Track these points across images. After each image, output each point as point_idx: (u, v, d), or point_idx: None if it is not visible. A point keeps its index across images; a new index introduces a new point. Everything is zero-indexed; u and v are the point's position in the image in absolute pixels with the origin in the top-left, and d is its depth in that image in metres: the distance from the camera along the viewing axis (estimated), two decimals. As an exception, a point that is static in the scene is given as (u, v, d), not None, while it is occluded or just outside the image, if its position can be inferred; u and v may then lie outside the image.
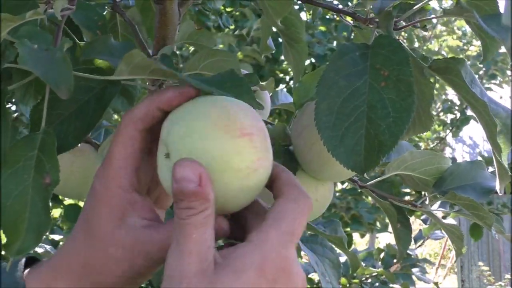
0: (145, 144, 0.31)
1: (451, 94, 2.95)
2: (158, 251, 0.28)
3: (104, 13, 0.58)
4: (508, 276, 3.99)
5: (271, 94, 0.69)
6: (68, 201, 1.51)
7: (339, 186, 1.92)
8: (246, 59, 1.53)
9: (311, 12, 0.61)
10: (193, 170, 0.25)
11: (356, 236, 2.45)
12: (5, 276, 0.31)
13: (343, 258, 1.06)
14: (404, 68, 0.34)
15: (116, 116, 1.08)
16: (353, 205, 1.88)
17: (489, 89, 2.73)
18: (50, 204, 0.31)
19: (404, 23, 0.40)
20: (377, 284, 1.31)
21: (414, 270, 1.32)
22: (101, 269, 0.30)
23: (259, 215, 0.28)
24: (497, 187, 0.38)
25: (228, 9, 1.80)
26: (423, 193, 0.63)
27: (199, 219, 0.25)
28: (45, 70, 0.30)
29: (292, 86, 2.10)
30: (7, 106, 0.34)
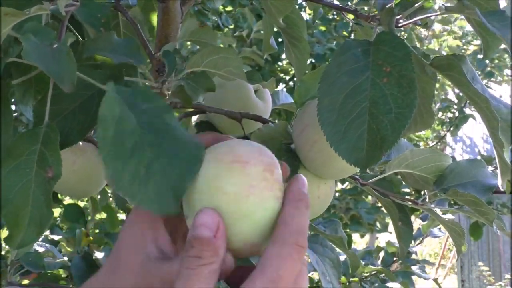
0: None
1: (451, 94, 2.96)
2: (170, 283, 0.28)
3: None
4: (508, 276, 3.98)
5: (272, 94, 0.69)
6: (68, 201, 1.51)
7: (339, 186, 1.92)
8: (246, 60, 1.53)
9: (311, 11, 0.61)
10: (213, 218, 0.26)
11: (356, 236, 2.45)
12: None
13: (342, 257, 1.06)
14: (406, 64, 0.34)
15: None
16: (353, 205, 1.87)
17: (488, 87, 2.73)
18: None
19: (405, 21, 0.40)
20: (376, 284, 1.30)
21: (414, 267, 1.32)
22: None
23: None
24: (499, 182, 0.38)
25: (228, 9, 1.81)
26: (422, 192, 0.63)
27: (204, 272, 0.25)
28: (49, 64, 0.30)
29: (292, 85, 2.10)
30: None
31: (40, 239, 1.06)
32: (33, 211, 0.31)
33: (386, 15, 0.38)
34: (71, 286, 0.88)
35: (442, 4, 0.36)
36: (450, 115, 2.77)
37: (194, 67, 0.42)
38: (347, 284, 1.32)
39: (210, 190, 0.28)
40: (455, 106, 2.65)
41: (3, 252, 0.82)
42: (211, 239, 0.26)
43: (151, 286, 0.28)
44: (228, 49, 0.42)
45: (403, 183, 0.89)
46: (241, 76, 0.43)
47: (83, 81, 0.35)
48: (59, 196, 1.39)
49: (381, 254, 1.38)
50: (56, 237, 1.17)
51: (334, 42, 1.93)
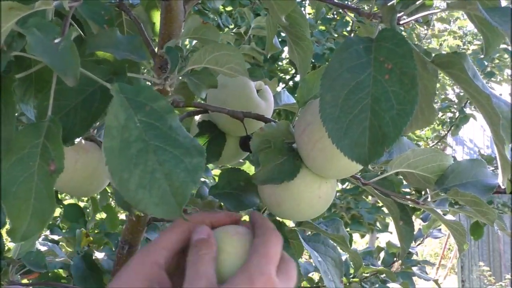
0: (186, 244, 0.39)
1: (451, 94, 2.96)
2: None
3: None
4: (508, 276, 3.97)
5: (274, 94, 0.69)
6: (67, 201, 1.51)
7: (340, 186, 1.92)
8: (245, 58, 1.52)
9: (311, 11, 0.61)
10: (207, 230, 0.38)
11: (356, 236, 2.44)
12: None
13: (343, 257, 1.06)
14: (407, 61, 0.34)
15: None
16: (353, 205, 1.87)
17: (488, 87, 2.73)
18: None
19: (406, 18, 0.40)
20: (377, 285, 1.30)
21: (414, 268, 1.32)
22: None
23: None
24: (499, 179, 0.38)
25: (228, 9, 1.81)
26: (423, 192, 0.63)
27: (206, 258, 0.36)
28: (53, 58, 0.30)
29: (292, 84, 2.10)
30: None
31: (40, 239, 1.06)
32: (36, 204, 0.31)
33: (388, 13, 0.38)
34: (72, 285, 0.88)
35: (445, 0, 0.36)
36: (450, 115, 2.77)
37: (196, 64, 0.42)
38: (348, 284, 1.31)
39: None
40: (455, 106, 2.64)
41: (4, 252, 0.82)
42: (207, 239, 0.37)
43: None
44: (230, 46, 0.42)
45: (404, 183, 0.89)
46: (243, 73, 0.43)
47: (85, 76, 0.36)
48: (59, 196, 1.39)
49: (382, 254, 1.38)
50: (56, 237, 1.17)
51: (334, 42, 1.94)
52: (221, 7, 1.72)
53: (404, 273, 1.36)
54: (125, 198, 0.29)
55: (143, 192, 0.30)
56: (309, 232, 0.70)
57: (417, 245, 1.38)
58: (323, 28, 1.95)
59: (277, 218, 0.61)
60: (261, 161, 0.47)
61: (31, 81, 0.45)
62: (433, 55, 0.40)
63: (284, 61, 2.12)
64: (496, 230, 0.50)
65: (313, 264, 1.14)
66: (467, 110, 2.59)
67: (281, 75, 2.11)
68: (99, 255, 1.07)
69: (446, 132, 2.73)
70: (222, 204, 0.58)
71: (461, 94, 2.63)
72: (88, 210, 1.38)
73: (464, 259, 4.44)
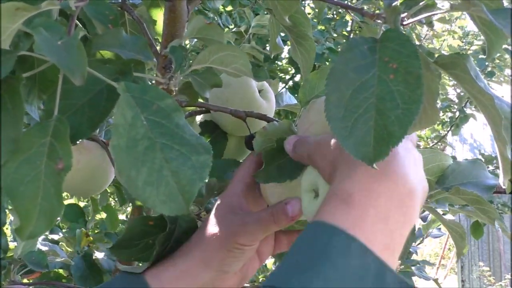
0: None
1: (452, 94, 2.96)
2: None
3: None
4: (508, 276, 3.98)
5: (275, 95, 0.70)
6: (67, 201, 1.51)
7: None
8: (245, 56, 1.52)
9: (311, 11, 0.61)
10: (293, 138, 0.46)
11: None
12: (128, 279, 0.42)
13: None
14: (412, 60, 0.35)
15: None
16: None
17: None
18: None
19: (409, 19, 0.41)
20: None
21: (414, 268, 1.32)
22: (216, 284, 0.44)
23: None
24: (500, 180, 0.39)
25: (228, 9, 1.81)
26: None
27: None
28: (61, 57, 0.30)
29: (292, 84, 2.10)
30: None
31: (40, 239, 1.06)
32: (43, 203, 0.31)
33: (392, 13, 0.38)
34: (73, 284, 0.88)
35: (448, 1, 0.36)
36: (450, 114, 2.77)
37: (201, 64, 0.42)
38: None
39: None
40: (455, 106, 2.65)
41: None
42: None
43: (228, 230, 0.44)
44: (235, 47, 0.42)
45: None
46: (247, 74, 0.43)
47: (92, 76, 0.36)
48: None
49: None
50: (56, 237, 1.17)
51: (333, 42, 1.94)
52: (221, 7, 1.72)
53: (404, 272, 1.36)
54: (133, 195, 0.30)
55: (151, 190, 0.30)
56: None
57: (417, 245, 1.38)
58: (322, 28, 1.95)
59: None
60: (264, 160, 0.48)
61: (34, 81, 0.45)
62: (436, 55, 0.40)
63: (284, 61, 2.12)
64: (497, 228, 0.50)
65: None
66: (468, 110, 2.60)
67: (281, 75, 2.11)
68: (99, 255, 1.07)
69: (446, 132, 2.73)
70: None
71: (462, 94, 2.64)
72: (88, 210, 1.38)
73: (464, 259, 4.45)
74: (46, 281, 0.84)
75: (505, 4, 0.40)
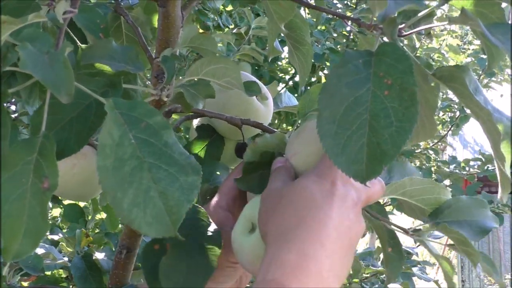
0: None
1: (451, 94, 2.93)
2: None
3: (108, 14, 0.58)
4: (508, 276, 3.97)
5: (274, 96, 0.69)
6: (67, 201, 1.51)
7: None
8: (245, 58, 1.51)
9: (314, 15, 0.60)
10: (282, 160, 0.47)
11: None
12: None
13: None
14: (407, 77, 0.34)
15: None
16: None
17: (489, 87, 2.70)
18: (50, 204, 0.32)
19: (408, 30, 0.40)
20: (377, 285, 1.30)
21: (414, 269, 1.32)
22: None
23: None
24: (498, 195, 0.38)
25: (228, 9, 1.80)
26: (412, 221, 0.61)
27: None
28: (46, 74, 0.29)
29: (292, 84, 2.09)
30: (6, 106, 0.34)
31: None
32: (29, 222, 0.30)
33: (389, 25, 0.37)
34: (71, 287, 0.88)
35: (446, 15, 0.35)
36: (450, 114, 2.74)
37: (193, 76, 0.42)
38: (348, 285, 1.31)
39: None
40: (455, 106, 2.62)
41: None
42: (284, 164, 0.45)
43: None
44: (228, 59, 0.42)
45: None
46: (239, 87, 0.43)
47: (80, 89, 0.35)
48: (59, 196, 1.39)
49: (382, 255, 1.37)
50: (56, 237, 1.17)
51: (333, 41, 1.92)
52: (221, 7, 1.71)
53: (404, 273, 1.36)
54: (119, 216, 0.29)
55: (137, 211, 0.30)
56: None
57: (417, 246, 1.37)
58: (322, 27, 1.94)
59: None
60: (244, 168, 0.48)
61: (35, 83, 0.44)
62: (435, 68, 0.39)
63: (284, 61, 2.11)
64: (479, 273, 0.48)
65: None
66: (468, 110, 2.56)
67: (281, 75, 2.10)
68: (99, 255, 1.07)
69: (446, 132, 2.71)
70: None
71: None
72: (88, 210, 1.38)
73: (464, 259, 4.45)
74: (42, 284, 0.84)
75: (505, 4, 0.38)
